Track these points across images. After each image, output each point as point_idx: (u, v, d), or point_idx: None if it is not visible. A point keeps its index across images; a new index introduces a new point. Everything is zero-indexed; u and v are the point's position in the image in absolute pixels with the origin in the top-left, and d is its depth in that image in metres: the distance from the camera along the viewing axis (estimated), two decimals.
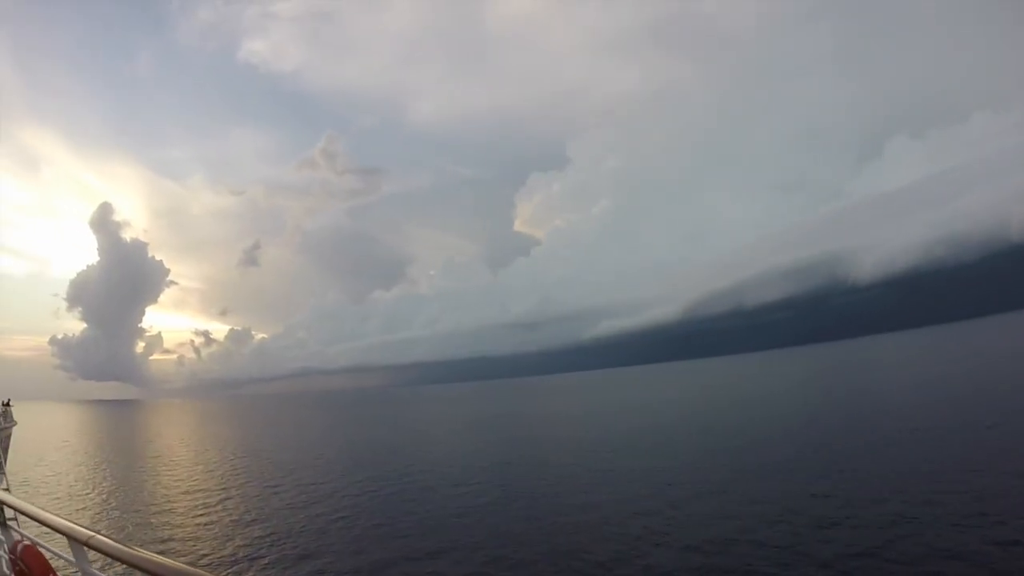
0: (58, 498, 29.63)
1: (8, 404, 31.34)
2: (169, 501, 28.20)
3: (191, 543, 20.72)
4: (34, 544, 4.50)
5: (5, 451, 20.15)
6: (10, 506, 4.95)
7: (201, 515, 25.04)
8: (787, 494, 20.85)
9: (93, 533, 3.50)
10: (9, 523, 5.37)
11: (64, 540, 3.65)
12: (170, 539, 21.41)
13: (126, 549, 2.91)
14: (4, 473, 11.46)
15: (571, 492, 24.44)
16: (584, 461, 31.52)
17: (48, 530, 4.00)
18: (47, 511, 4.06)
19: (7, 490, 10.30)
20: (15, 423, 31.49)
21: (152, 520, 24.58)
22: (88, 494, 30.82)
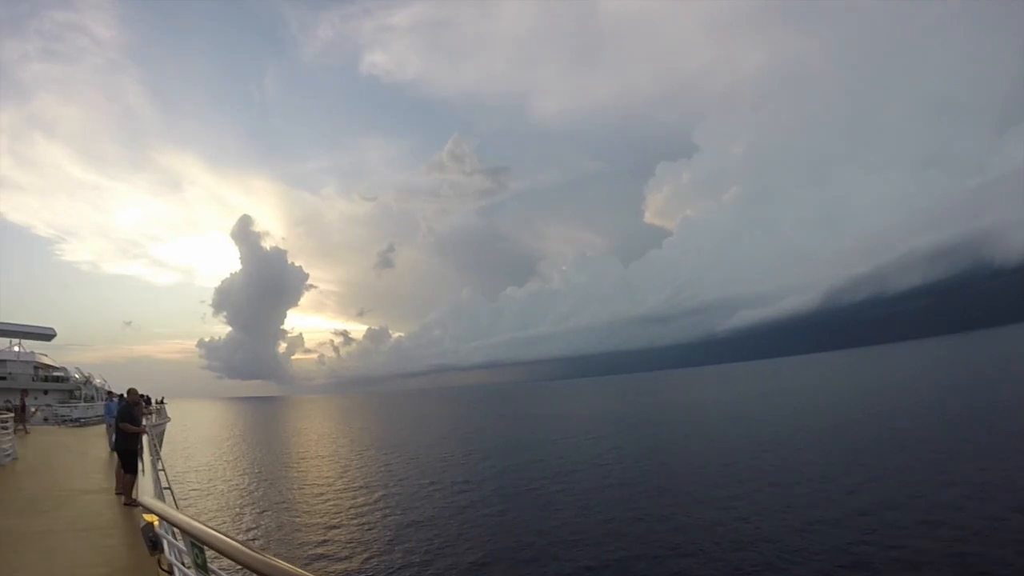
0: (212, 494, 31.30)
1: (162, 402, 32.76)
2: (326, 499, 28.21)
3: (353, 545, 19.88)
4: None
5: (160, 444, 20.04)
6: (212, 546, 3.46)
7: (361, 514, 24.45)
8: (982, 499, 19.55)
9: None
10: (211, 567, 3.84)
11: None
12: (331, 541, 20.68)
13: None
14: (163, 470, 11.33)
15: (745, 495, 23.35)
16: (748, 462, 30.37)
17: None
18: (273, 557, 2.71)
19: (169, 488, 10.15)
20: (169, 419, 32.91)
21: (311, 520, 24.08)
22: (242, 489, 32.52)
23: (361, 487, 30.54)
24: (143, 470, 8.66)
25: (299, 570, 2.58)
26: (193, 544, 4.02)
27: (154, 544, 5.20)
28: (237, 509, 26.95)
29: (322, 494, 29.19)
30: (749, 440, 37.31)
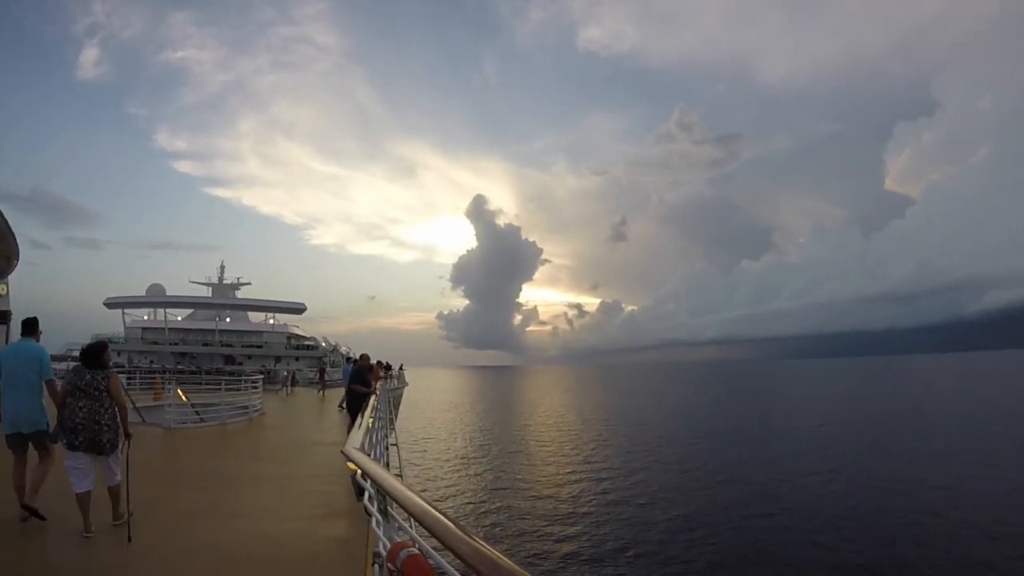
0: (439, 458, 33.09)
1: (401, 368, 35.86)
2: (574, 478, 27.31)
3: (610, 543, 18.11)
4: (423, 556, 3.35)
5: (396, 408, 21.69)
6: (389, 493, 3.94)
7: (615, 503, 22.76)
8: None
9: None
10: (391, 511, 4.43)
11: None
12: (582, 535, 19.15)
13: None
14: (394, 429, 11.81)
15: None
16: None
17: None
18: (450, 520, 2.75)
19: (396, 445, 11.51)
20: (407, 384, 36.11)
21: (558, 509, 22.67)
22: (477, 456, 33.83)
23: (610, 468, 29.23)
24: (359, 426, 9.43)
25: (466, 532, 2.55)
26: (378, 491, 4.57)
27: (360, 491, 5.86)
28: (474, 477, 27.74)
29: (571, 472, 28.47)
30: None
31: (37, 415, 6.80)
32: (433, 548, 3.66)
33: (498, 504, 22.71)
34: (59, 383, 6.88)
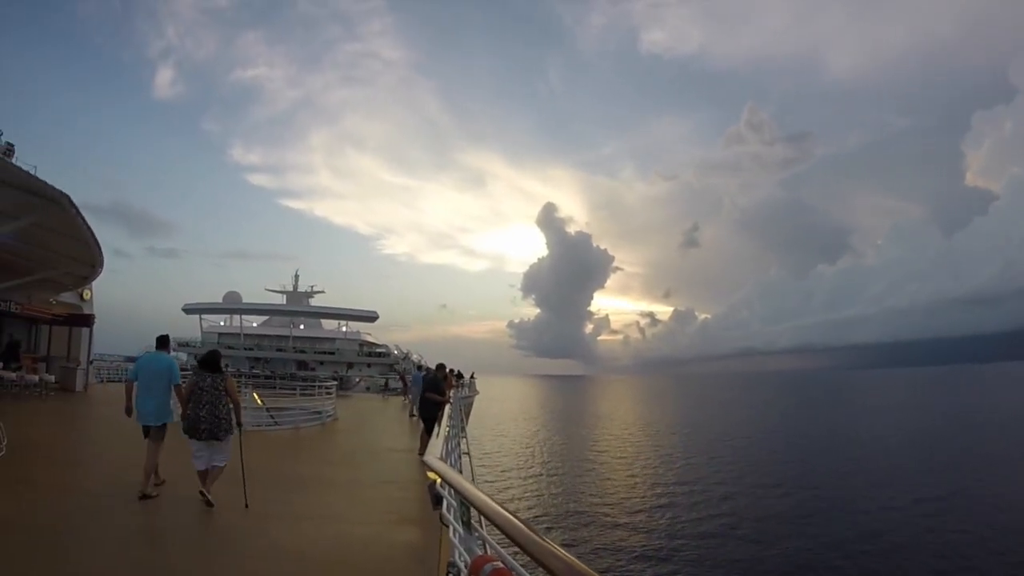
0: (511, 474, 32.82)
1: (473, 377, 36.33)
2: (656, 498, 26.32)
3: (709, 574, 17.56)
4: (508, 570, 3.24)
5: (467, 416, 21.79)
6: (474, 504, 3.93)
7: (702, 523, 21.90)
8: None
9: None
10: (475, 525, 4.48)
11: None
12: (675, 559, 18.36)
13: None
14: (465, 436, 13.08)
15: None
16: None
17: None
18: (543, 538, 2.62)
19: (468, 455, 11.82)
20: (477, 392, 36.61)
21: (636, 534, 21.44)
22: (546, 472, 33.54)
23: (702, 490, 27.54)
24: (437, 435, 9.60)
25: (556, 546, 2.49)
26: (460, 502, 4.61)
27: (437, 500, 5.91)
28: (550, 498, 27.06)
29: (657, 495, 27.04)
30: None
31: (163, 413, 8.75)
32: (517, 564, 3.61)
33: (583, 533, 21.23)
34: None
